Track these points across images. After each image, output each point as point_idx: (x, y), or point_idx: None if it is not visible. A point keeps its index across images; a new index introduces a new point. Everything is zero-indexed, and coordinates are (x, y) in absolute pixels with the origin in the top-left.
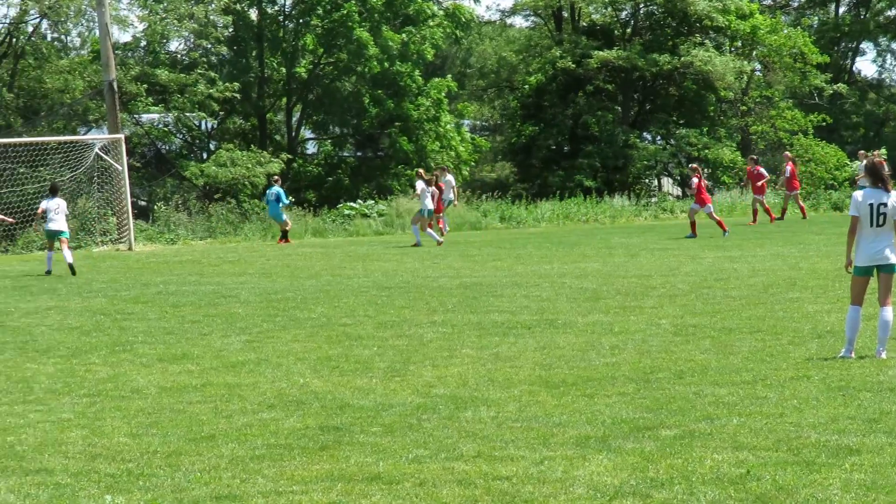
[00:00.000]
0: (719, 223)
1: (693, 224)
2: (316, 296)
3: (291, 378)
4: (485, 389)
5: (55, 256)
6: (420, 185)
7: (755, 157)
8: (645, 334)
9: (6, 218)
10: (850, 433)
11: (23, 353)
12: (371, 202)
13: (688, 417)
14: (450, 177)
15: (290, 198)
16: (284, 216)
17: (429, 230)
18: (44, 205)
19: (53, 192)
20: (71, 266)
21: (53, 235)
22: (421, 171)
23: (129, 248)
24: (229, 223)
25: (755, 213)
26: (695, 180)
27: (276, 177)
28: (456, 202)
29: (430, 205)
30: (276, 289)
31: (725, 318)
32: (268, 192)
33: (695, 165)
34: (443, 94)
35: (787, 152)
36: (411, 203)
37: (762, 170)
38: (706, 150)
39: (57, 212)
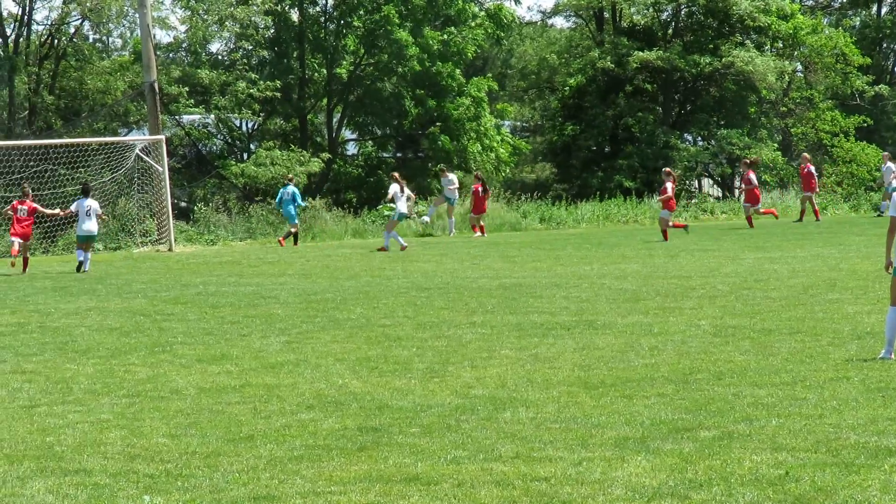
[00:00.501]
0: (668, 228)
1: (665, 231)
2: (355, 297)
3: (330, 379)
4: (523, 390)
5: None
6: (393, 188)
7: (749, 160)
8: (684, 335)
9: (57, 211)
10: (890, 434)
11: (63, 354)
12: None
13: (727, 419)
14: (451, 176)
15: (307, 200)
16: (297, 219)
17: (394, 233)
18: (75, 206)
19: (86, 192)
20: (82, 265)
21: (85, 239)
22: (395, 174)
23: (170, 249)
24: (269, 224)
25: (749, 219)
26: (669, 185)
27: (290, 175)
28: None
29: (402, 209)
30: (315, 290)
31: (765, 319)
32: (282, 190)
33: (668, 169)
34: (483, 92)
35: (805, 153)
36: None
37: (752, 176)
38: (747, 151)
39: (89, 213)
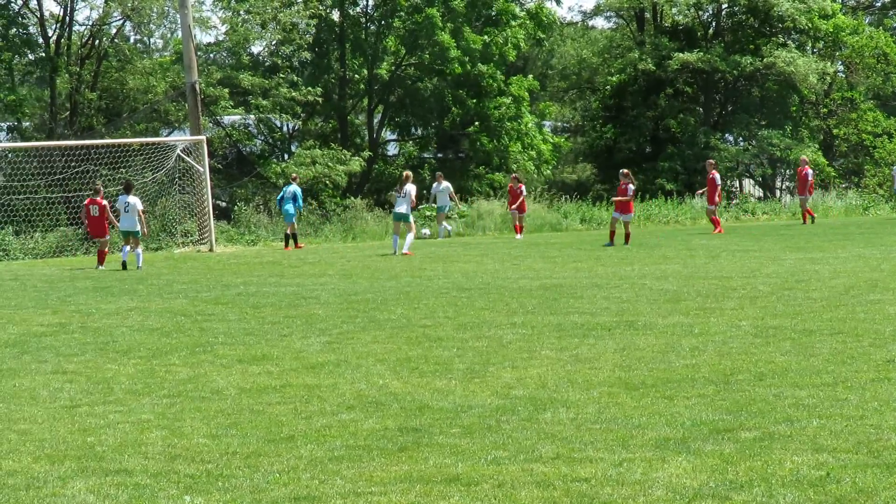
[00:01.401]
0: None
1: (613, 233)
2: (396, 297)
3: (371, 379)
4: (564, 391)
5: (130, 253)
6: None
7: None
8: (725, 336)
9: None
10: None
11: (103, 354)
12: (451, 203)
13: (768, 419)
14: (446, 184)
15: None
16: (295, 219)
17: (395, 236)
18: (119, 203)
19: (127, 189)
20: (138, 266)
21: (125, 234)
22: (406, 173)
23: (210, 250)
24: (310, 224)
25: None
26: (632, 187)
27: (294, 174)
28: (458, 206)
29: (396, 208)
30: (355, 290)
31: (806, 319)
32: (285, 189)
33: (626, 171)
34: (523, 90)
35: (803, 157)
36: (491, 205)
37: (717, 176)
38: (788, 151)
39: (127, 209)
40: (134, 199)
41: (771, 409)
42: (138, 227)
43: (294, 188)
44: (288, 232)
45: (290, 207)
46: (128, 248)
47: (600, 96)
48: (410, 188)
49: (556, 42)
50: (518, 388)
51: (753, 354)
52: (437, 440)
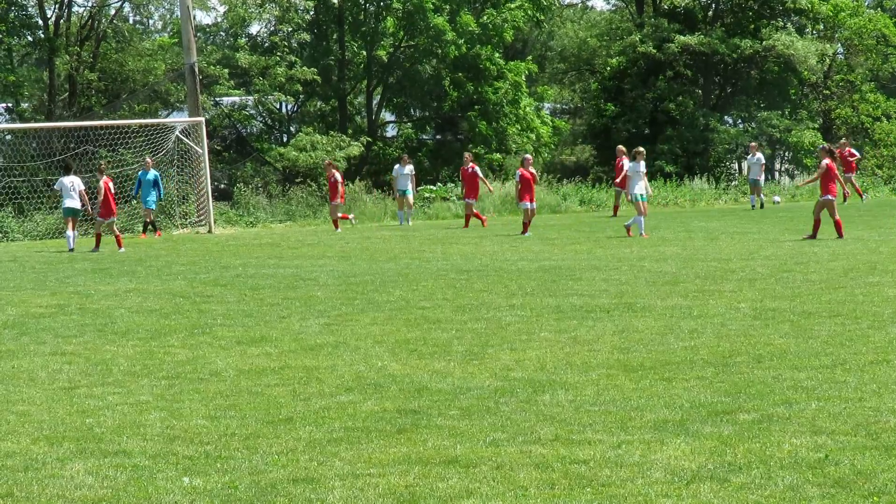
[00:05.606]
0: (479, 216)
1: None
2: (395, 279)
3: (369, 361)
4: (563, 373)
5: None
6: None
7: (470, 154)
8: (724, 318)
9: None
10: None
11: (102, 336)
12: (451, 185)
13: (766, 401)
14: (410, 166)
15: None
16: (154, 205)
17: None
18: (57, 185)
19: (67, 169)
20: (71, 249)
21: (70, 213)
22: (621, 147)
23: (209, 231)
24: (309, 206)
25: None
26: (479, 170)
27: (148, 160)
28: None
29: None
30: (354, 272)
31: (805, 301)
32: (141, 176)
33: (468, 154)
34: (522, 76)
35: (620, 146)
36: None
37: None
38: (788, 133)
39: (73, 189)
40: (77, 180)
41: (769, 391)
42: (79, 207)
43: (154, 174)
44: (148, 220)
45: (152, 195)
46: (72, 233)
47: (599, 78)
48: (627, 164)
49: (555, 24)
50: (517, 370)
51: (752, 337)
52: (436, 422)
